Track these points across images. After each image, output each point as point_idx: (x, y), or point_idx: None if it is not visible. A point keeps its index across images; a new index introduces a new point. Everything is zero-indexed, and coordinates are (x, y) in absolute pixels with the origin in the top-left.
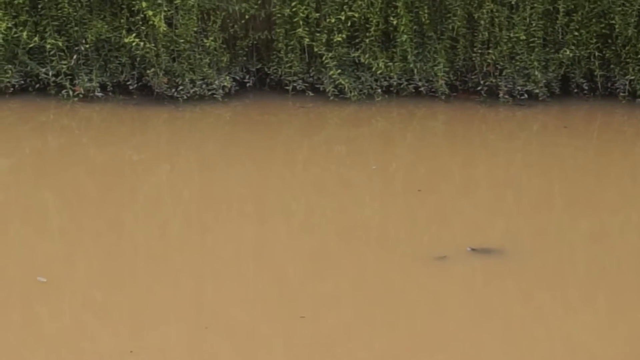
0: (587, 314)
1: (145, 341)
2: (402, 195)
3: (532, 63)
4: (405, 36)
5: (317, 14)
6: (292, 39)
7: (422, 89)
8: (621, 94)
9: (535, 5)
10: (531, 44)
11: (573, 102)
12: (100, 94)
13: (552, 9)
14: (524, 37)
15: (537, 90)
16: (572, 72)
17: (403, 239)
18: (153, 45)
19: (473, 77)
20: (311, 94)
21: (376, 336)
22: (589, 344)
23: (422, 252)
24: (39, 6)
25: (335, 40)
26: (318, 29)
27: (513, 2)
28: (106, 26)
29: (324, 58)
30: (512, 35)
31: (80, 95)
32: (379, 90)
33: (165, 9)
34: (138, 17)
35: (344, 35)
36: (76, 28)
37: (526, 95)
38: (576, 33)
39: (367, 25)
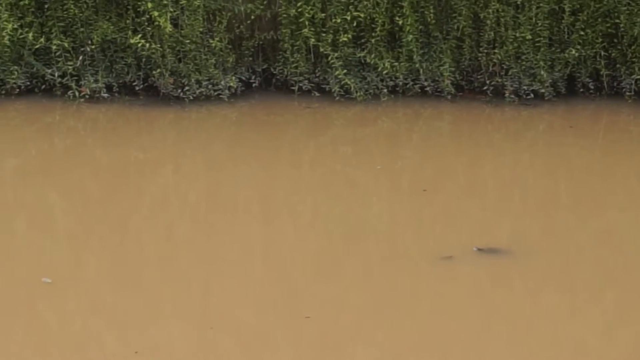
0: (594, 314)
1: (150, 342)
2: (408, 195)
3: (538, 63)
4: (411, 36)
5: (323, 14)
6: (298, 39)
7: (428, 88)
8: (627, 93)
9: (541, 4)
10: (537, 44)
11: (579, 101)
12: (106, 95)
13: (557, 9)
14: (529, 37)
15: (543, 90)
16: (578, 71)
17: (409, 239)
18: (159, 45)
19: (479, 76)
20: (317, 94)
21: (382, 337)
22: (596, 344)
23: (428, 252)
24: (45, 7)
25: (341, 40)
26: (324, 29)
27: (519, 2)
28: (112, 27)
29: (329, 58)
30: (518, 34)
31: (86, 96)
32: (385, 90)
33: (171, 9)
34: (144, 18)
35: (349, 36)
36: (82, 29)
37: (532, 95)
38: (582, 32)
39: (373, 26)
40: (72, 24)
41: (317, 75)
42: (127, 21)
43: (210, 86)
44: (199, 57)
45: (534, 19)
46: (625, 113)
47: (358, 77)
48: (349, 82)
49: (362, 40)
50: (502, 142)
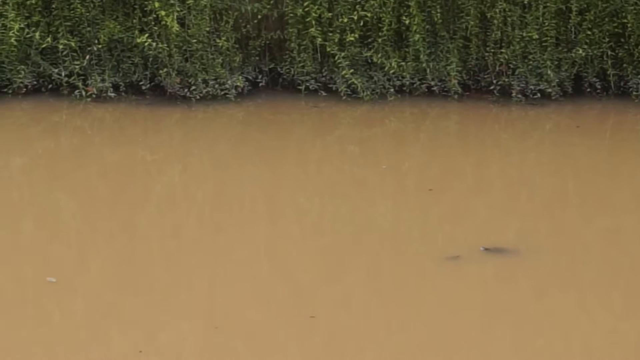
0: (601, 314)
1: (154, 341)
2: (415, 195)
3: (545, 62)
4: (417, 36)
5: (330, 14)
6: (305, 39)
7: (434, 88)
8: (634, 93)
9: (548, 4)
10: (544, 43)
11: (586, 101)
12: (112, 94)
13: (564, 8)
14: (536, 37)
15: (549, 90)
16: (585, 71)
17: (416, 238)
18: (165, 45)
19: (486, 76)
20: (324, 93)
21: (388, 336)
22: (603, 343)
23: (435, 252)
24: (52, 7)
25: (347, 39)
26: (330, 29)
27: (526, 2)
28: (119, 26)
29: (336, 58)
30: (524, 34)
31: (93, 96)
32: (392, 90)
33: (178, 9)
34: (150, 17)
35: (356, 35)
36: (89, 28)
37: (539, 95)
38: (589, 32)
39: (380, 25)
40: (79, 24)
41: (324, 74)
42: (134, 21)
43: (216, 85)
44: (206, 56)
45: (541, 18)
46: (632, 113)
47: (365, 77)
48: (355, 82)
49: (369, 40)
50: (509, 142)
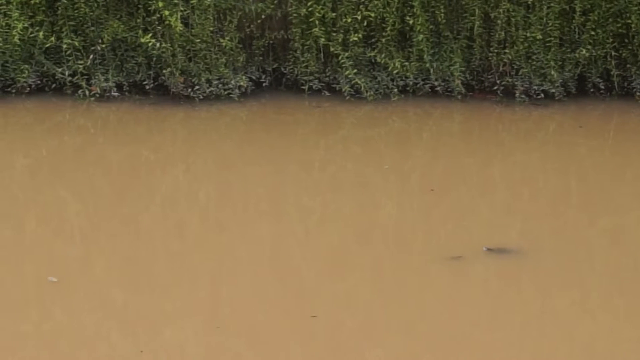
0: (604, 314)
1: (156, 341)
2: (418, 195)
3: (549, 62)
4: (421, 36)
5: (334, 14)
6: (309, 39)
7: (438, 88)
8: (637, 93)
9: (552, 4)
10: (547, 44)
11: (589, 101)
12: (116, 94)
13: (568, 9)
14: (540, 37)
15: (553, 90)
16: (589, 71)
17: (419, 238)
18: (169, 45)
19: (489, 76)
20: (327, 93)
21: (390, 336)
22: (606, 344)
23: (438, 252)
24: (56, 6)
25: (351, 39)
26: (334, 29)
27: (529, 2)
28: (122, 26)
29: (340, 58)
30: (528, 34)
31: (97, 95)
32: (395, 90)
33: (182, 8)
34: (154, 17)
35: (360, 35)
36: (92, 28)
37: (542, 95)
38: (592, 32)
39: (384, 25)
40: (83, 23)
41: (328, 74)
42: (138, 20)
43: (220, 85)
44: (210, 56)
45: (544, 18)
46: (635, 113)
47: (368, 77)
48: (359, 82)
49: (373, 40)
50: (513, 142)
